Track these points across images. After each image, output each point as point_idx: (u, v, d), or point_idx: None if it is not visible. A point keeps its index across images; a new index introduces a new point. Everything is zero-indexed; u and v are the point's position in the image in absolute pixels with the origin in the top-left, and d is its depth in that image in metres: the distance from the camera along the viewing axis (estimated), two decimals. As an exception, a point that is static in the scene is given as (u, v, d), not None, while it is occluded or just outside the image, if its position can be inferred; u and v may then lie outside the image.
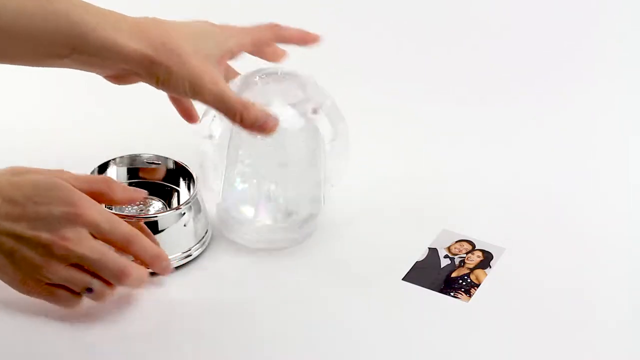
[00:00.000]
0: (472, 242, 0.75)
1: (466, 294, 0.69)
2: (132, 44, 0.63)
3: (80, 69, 0.66)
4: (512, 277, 0.72)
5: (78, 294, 0.63)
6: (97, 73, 0.68)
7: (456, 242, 0.75)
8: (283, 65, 0.75)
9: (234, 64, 0.75)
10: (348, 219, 0.77)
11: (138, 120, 0.88)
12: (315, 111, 0.72)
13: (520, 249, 0.75)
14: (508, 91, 0.97)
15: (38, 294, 0.63)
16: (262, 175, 0.72)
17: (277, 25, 0.75)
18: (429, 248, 0.74)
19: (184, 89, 0.65)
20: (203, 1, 0.99)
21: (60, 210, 0.60)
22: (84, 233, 0.61)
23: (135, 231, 0.64)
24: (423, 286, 0.70)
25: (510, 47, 1.03)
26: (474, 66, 1.00)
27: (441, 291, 0.70)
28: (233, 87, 0.71)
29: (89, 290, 0.62)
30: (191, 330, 0.66)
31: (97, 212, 0.62)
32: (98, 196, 0.64)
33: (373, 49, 1.02)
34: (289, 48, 0.76)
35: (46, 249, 0.60)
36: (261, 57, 0.76)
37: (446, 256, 0.73)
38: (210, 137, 0.73)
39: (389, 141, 0.89)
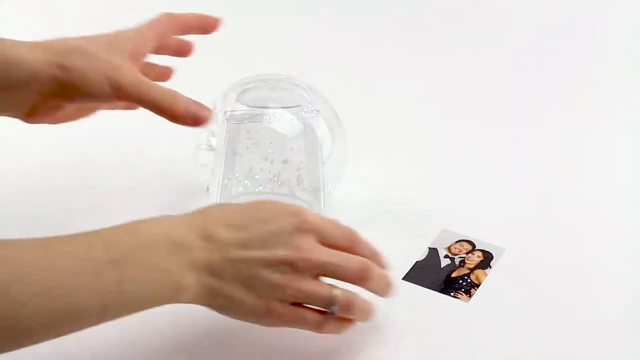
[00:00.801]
0: (472, 242, 0.75)
1: (466, 294, 0.69)
2: (39, 57, 0.60)
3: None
4: (513, 277, 0.71)
5: (324, 313, 0.58)
6: (13, 108, 0.64)
7: (456, 242, 0.75)
8: (280, 72, 0.74)
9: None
10: (348, 219, 0.77)
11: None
12: (311, 115, 0.71)
13: (520, 249, 0.74)
14: (508, 92, 0.98)
15: (285, 320, 0.57)
16: (258, 180, 0.72)
17: (171, 14, 0.69)
18: (429, 248, 0.74)
19: (103, 86, 0.61)
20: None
21: (288, 223, 0.57)
22: (313, 240, 0.57)
23: (351, 228, 0.60)
24: (423, 286, 0.70)
25: (509, 48, 1.03)
26: (473, 68, 1.01)
27: (441, 291, 0.70)
28: (230, 92, 0.71)
29: (332, 305, 0.58)
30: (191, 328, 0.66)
31: (318, 216, 0.59)
32: None
33: (372, 52, 1.02)
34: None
35: (287, 266, 0.56)
36: (168, 53, 0.71)
37: (446, 256, 0.73)
38: (210, 148, 0.73)
39: (389, 143, 0.89)
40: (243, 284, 0.55)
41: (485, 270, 0.72)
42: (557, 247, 0.75)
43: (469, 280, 0.71)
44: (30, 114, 0.65)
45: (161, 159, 0.83)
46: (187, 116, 0.61)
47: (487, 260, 0.73)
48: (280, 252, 0.56)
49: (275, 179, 0.73)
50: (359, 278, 0.58)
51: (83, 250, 0.52)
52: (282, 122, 0.69)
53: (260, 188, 0.73)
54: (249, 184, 0.73)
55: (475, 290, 0.70)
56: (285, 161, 0.72)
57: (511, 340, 0.66)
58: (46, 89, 0.61)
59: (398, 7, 1.10)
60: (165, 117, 0.61)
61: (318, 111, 0.72)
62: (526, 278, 0.72)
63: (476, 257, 0.73)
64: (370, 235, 0.76)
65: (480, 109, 0.95)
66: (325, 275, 0.58)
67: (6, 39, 0.62)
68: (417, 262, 0.72)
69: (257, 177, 0.72)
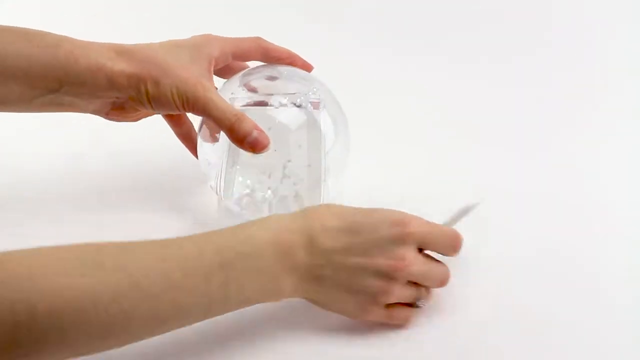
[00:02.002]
0: None
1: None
2: (116, 66, 0.64)
3: (75, 109, 0.67)
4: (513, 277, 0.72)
5: (409, 306, 0.63)
6: (95, 110, 0.68)
7: None
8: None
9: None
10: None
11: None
12: (315, 106, 0.71)
13: (522, 248, 0.75)
14: (509, 92, 0.98)
15: (377, 319, 0.62)
16: (262, 174, 0.72)
17: (261, 39, 0.74)
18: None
19: (173, 100, 0.65)
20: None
21: (391, 233, 0.60)
22: (413, 250, 0.61)
23: (456, 232, 0.64)
24: None
25: (509, 50, 1.03)
26: (473, 68, 1.01)
27: None
28: (232, 82, 0.71)
29: (419, 300, 0.63)
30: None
31: (422, 224, 0.61)
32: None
33: (372, 52, 1.02)
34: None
35: (387, 274, 0.60)
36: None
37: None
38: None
39: (388, 142, 0.89)
40: (343, 289, 0.60)
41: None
42: (558, 246, 0.75)
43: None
44: (110, 114, 0.70)
45: (168, 157, 0.83)
46: (245, 141, 0.65)
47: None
48: (381, 261, 0.59)
49: (277, 170, 0.72)
50: (439, 284, 0.64)
51: (195, 257, 0.55)
52: (284, 112, 0.69)
53: (263, 180, 0.72)
54: (252, 176, 0.72)
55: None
56: (287, 154, 0.71)
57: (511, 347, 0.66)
58: (123, 96, 0.66)
59: (400, 6, 1.10)
60: (228, 135, 0.66)
61: (320, 101, 0.71)
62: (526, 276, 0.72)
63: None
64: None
65: (481, 109, 0.95)
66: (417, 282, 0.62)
67: (92, 43, 0.66)
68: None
69: (260, 169, 0.72)
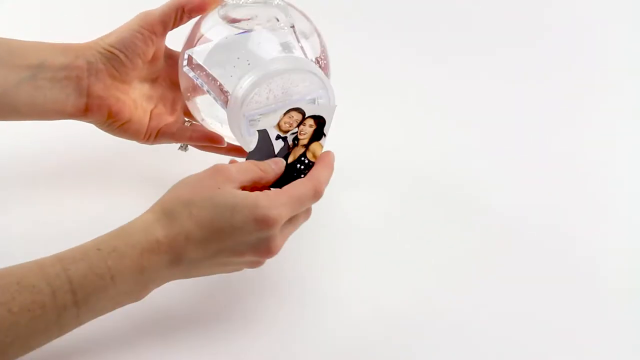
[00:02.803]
0: (301, 110, 0.67)
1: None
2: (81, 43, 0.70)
3: (55, 99, 0.69)
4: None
5: None
6: (67, 89, 0.69)
7: (284, 114, 0.67)
8: None
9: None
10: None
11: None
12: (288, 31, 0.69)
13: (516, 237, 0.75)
14: (509, 92, 0.98)
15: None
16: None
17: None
18: (257, 131, 0.66)
19: (132, 27, 0.69)
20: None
21: (257, 235, 0.60)
22: (279, 230, 0.61)
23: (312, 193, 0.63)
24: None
25: (510, 48, 1.03)
26: (473, 68, 1.01)
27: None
28: (212, 16, 0.71)
29: None
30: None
31: (283, 207, 0.60)
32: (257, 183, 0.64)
33: (372, 51, 1.02)
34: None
35: (257, 261, 0.63)
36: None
37: (278, 137, 0.67)
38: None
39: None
40: (214, 272, 0.63)
41: (320, 142, 0.67)
42: (558, 245, 0.76)
43: (307, 162, 0.66)
44: (89, 95, 0.70)
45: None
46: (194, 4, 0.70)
47: (319, 128, 0.67)
48: (250, 256, 0.61)
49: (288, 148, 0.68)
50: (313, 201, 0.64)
51: (48, 299, 0.55)
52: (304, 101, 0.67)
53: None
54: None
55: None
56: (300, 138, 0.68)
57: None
58: (93, 63, 0.70)
59: (402, 6, 1.10)
60: (185, 8, 0.70)
61: (293, 26, 0.70)
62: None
63: (308, 128, 0.67)
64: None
65: (480, 108, 0.95)
66: None
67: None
68: (248, 154, 0.66)
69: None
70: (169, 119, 0.76)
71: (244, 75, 0.65)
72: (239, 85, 0.65)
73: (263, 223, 0.59)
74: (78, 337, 0.60)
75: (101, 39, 0.70)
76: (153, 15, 0.69)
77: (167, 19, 0.70)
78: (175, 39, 0.73)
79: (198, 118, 0.74)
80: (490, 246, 0.75)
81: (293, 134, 0.67)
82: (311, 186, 0.62)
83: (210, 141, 0.75)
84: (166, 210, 0.59)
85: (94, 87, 0.70)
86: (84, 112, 0.70)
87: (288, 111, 0.66)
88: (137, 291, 0.59)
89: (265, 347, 0.65)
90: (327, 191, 0.64)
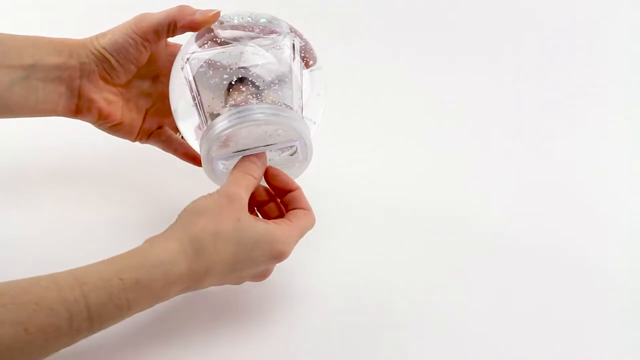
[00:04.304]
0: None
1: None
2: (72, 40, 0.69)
3: (47, 100, 0.68)
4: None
5: None
6: (59, 90, 0.69)
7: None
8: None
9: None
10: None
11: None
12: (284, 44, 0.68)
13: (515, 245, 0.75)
14: (508, 93, 0.97)
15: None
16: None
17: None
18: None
19: (125, 31, 0.68)
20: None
21: (268, 265, 0.64)
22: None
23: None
24: None
25: (510, 48, 1.03)
26: (473, 69, 1.00)
27: None
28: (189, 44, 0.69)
29: None
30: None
31: (294, 243, 0.64)
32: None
33: (373, 51, 1.02)
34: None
35: (260, 278, 0.66)
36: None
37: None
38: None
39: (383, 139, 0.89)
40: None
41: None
42: (557, 244, 0.76)
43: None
44: (80, 96, 0.70)
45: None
46: (199, 13, 0.68)
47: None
48: (248, 280, 0.65)
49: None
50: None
51: (65, 323, 0.55)
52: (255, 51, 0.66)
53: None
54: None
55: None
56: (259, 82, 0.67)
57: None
58: (85, 64, 0.68)
59: (401, 6, 1.10)
60: (181, 23, 0.68)
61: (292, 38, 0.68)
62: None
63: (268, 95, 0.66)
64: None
65: (479, 107, 0.95)
66: None
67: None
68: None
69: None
70: (163, 120, 0.75)
71: (223, 110, 0.65)
72: (216, 125, 0.64)
73: (277, 257, 0.63)
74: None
75: (97, 37, 0.69)
76: (148, 22, 0.68)
77: (161, 29, 0.68)
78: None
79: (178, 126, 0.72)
80: (488, 253, 0.76)
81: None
82: (313, 217, 0.66)
83: (192, 161, 0.76)
84: (194, 241, 0.60)
85: (85, 89, 0.69)
86: (75, 112, 0.70)
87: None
88: (146, 309, 0.60)
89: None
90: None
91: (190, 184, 0.75)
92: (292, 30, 0.70)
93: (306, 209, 0.66)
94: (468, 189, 0.83)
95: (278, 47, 0.67)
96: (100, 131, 0.73)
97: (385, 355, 0.66)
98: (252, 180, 0.65)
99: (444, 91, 0.95)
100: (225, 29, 0.69)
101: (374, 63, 0.99)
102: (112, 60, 0.69)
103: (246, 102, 0.65)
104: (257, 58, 0.66)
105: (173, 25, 0.68)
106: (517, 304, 0.71)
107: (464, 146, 0.88)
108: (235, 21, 0.69)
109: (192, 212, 0.62)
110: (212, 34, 0.68)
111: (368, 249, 0.75)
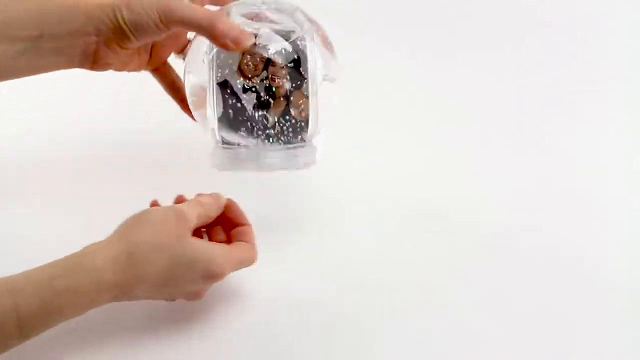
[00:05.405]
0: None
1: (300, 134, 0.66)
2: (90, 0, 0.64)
3: (59, 60, 0.66)
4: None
5: None
6: (80, 59, 0.66)
7: (242, 54, 0.65)
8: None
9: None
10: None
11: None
12: (305, 42, 0.67)
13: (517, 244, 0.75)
14: (509, 92, 0.97)
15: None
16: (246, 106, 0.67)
17: None
18: (217, 84, 0.65)
19: (150, 18, 0.63)
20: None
21: (202, 284, 0.63)
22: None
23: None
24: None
25: (510, 48, 1.03)
26: (473, 68, 1.00)
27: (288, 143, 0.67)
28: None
29: None
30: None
31: (232, 267, 0.64)
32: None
33: (373, 50, 1.01)
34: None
35: (193, 297, 0.65)
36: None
37: (245, 89, 0.64)
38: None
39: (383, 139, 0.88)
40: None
41: (303, 90, 0.65)
42: (557, 243, 0.76)
43: (293, 121, 0.66)
44: (95, 61, 0.67)
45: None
46: (230, 37, 0.63)
47: (296, 67, 0.64)
48: (180, 298, 0.65)
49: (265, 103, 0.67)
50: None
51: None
52: (273, 46, 0.65)
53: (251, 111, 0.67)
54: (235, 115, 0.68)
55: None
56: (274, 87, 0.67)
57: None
58: (103, 31, 0.64)
59: (402, 6, 1.09)
60: (209, 37, 0.64)
61: (312, 38, 0.67)
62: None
63: (280, 69, 0.65)
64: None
65: (478, 105, 0.94)
66: None
67: None
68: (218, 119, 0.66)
69: (246, 105, 0.67)
70: (169, 53, 0.73)
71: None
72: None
73: (211, 279, 0.63)
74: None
75: (119, 7, 0.63)
76: (178, 18, 0.63)
77: (187, 29, 0.67)
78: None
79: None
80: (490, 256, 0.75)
81: (263, 80, 0.65)
82: (254, 254, 0.66)
83: (176, 97, 0.74)
84: (130, 250, 0.60)
85: (101, 54, 0.66)
86: (88, 68, 0.68)
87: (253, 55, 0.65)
88: (79, 315, 0.60)
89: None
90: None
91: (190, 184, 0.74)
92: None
93: (251, 244, 0.66)
94: (469, 186, 0.82)
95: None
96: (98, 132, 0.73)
97: (385, 355, 0.66)
98: (205, 214, 0.65)
99: (444, 88, 0.95)
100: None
101: (375, 60, 0.98)
102: (131, 37, 0.65)
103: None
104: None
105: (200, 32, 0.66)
106: (518, 303, 0.70)
107: (465, 143, 0.88)
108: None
109: (136, 220, 0.62)
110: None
111: (368, 249, 0.75)
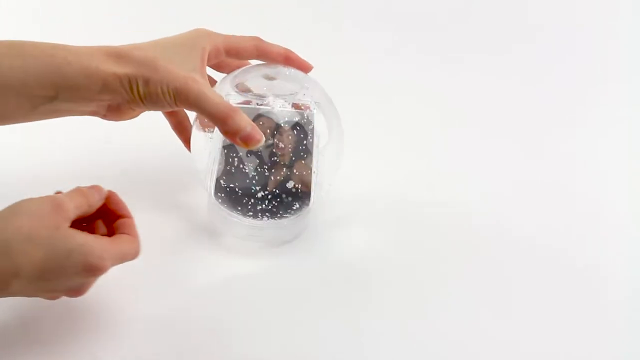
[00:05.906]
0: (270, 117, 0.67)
1: (303, 202, 0.66)
2: (108, 69, 0.63)
3: (72, 113, 0.66)
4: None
5: None
6: (92, 112, 0.67)
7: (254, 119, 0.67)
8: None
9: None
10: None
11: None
12: (307, 107, 0.69)
13: (518, 246, 0.75)
14: (509, 95, 0.98)
15: None
16: (250, 171, 0.70)
17: (258, 38, 0.74)
18: (222, 147, 0.68)
19: (165, 96, 0.63)
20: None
21: (81, 279, 0.61)
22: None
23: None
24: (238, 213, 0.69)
25: (511, 49, 1.04)
26: (474, 70, 1.01)
27: (271, 216, 0.67)
28: (225, 82, 0.70)
29: None
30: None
31: (111, 261, 0.61)
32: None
33: (374, 52, 1.02)
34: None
35: (75, 293, 0.62)
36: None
37: (249, 153, 0.66)
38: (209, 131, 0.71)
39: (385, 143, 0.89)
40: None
41: (305, 162, 0.66)
42: (558, 244, 0.76)
43: (293, 190, 0.66)
44: (107, 115, 0.68)
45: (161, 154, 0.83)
46: (240, 135, 0.62)
47: (300, 132, 0.66)
48: (61, 295, 0.62)
49: (267, 169, 0.69)
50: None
51: None
52: (277, 110, 0.67)
53: (252, 174, 0.69)
54: (239, 175, 0.70)
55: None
56: (278, 153, 0.69)
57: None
58: (116, 98, 0.64)
59: (402, 7, 1.10)
60: (220, 129, 0.63)
61: (317, 102, 0.70)
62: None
63: (286, 138, 0.66)
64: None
65: (478, 105, 0.95)
66: None
67: (84, 48, 0.65)
68: (217, 178, 0.68)
69: (247, 168, 0.69)
70: None
71: None
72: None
73: (91, 271, 0.60)
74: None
75: (137, 82, 0.63)
76: (190, 97, 0.63)
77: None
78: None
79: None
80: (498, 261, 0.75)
81: (269, 147, 0.66)
82: (137, 247, 0.64)
83: (181, 136, 0.76)
84: (2, 241, 0.57)
85: (111, 114, 0.67)
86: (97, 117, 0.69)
87: (257, 117, 0.65)
88: None
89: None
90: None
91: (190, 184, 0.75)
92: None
93: (133, 236, 0.64)
94: (470, 187, 0.83)
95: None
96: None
97: (386, 355, 0.66)
98: (85, 203, 0.63)
99: (446, 90, 0.96)
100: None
101: (378, 62, 0.99)
102: (142, 107, 0.65)
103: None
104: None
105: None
106: (518, 303, 0.70)
107: (465, 144, 0.89)
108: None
109: (12, 210, 0.59)
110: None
111: (367, 248, 0.75)
